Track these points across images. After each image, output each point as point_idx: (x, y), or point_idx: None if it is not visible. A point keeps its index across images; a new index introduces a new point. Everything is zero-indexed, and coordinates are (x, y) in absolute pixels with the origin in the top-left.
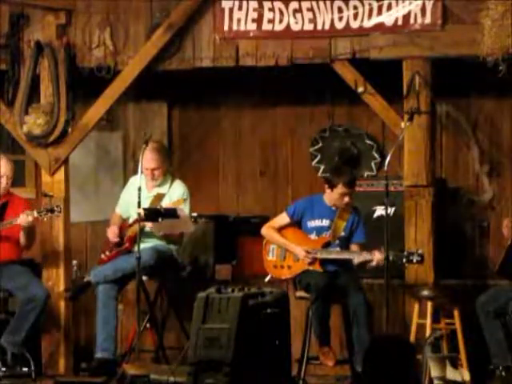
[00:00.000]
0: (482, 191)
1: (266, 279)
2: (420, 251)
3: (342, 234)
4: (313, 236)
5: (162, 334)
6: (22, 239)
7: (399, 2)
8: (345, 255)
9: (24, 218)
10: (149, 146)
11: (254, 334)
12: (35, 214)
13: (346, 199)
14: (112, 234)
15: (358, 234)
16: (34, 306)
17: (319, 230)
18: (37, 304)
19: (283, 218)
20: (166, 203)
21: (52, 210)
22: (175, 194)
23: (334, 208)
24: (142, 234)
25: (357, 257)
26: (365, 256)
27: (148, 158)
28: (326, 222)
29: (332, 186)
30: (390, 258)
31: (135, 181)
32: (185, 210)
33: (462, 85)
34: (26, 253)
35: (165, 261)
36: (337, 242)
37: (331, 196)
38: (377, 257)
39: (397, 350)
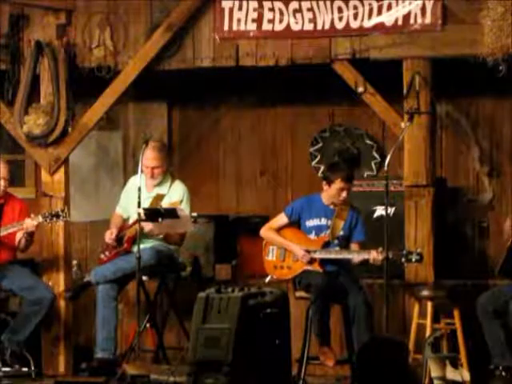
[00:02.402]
0: (482, 191)
1: (266, 280)
2: (419, 250)
3: (341, 233)
4: (312, 236)
5: (161, 334)
6: (22, 243)
7: (399, 2)
8: (343, 255)
9: (30, 223)
10: (150, 144)
11: (253, 334)
12: (40, 218)
13: (344, 194)
14: (108, 236)
15: (357, 232)
16: (40, 308)
17: (318, 230)
18: (43, 306)
19: (281, 219)
20: (165, 204)
21: (57, 215)
22: (175, 194)
23: (331, 207)
24: (142, 235)
25: (356, 256)
26: (363, 255)
27: (149, 157)
28: (324, 221)
29: (330, 182)
30: (390, 256)
31: (135, 181)
32: (185, 209)
33: (462, 85)
34: (26, 252)
35: (165, 261)
36: (336, 241)
37: (329, 193)
38: (373, 256)
39: (387, 352)
